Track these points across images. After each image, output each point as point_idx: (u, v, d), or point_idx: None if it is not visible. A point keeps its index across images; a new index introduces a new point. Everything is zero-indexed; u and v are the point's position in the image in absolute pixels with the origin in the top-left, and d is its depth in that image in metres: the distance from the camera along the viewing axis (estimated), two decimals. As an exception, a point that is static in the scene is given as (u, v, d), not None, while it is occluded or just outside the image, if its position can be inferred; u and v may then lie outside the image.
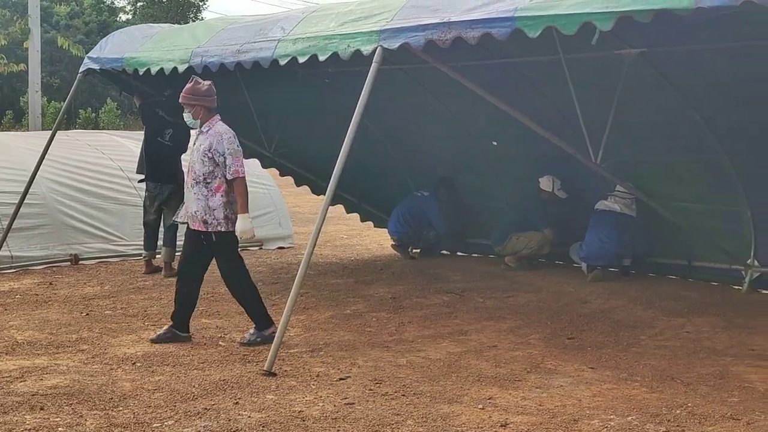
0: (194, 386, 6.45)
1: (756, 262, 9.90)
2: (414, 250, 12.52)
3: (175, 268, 9.26)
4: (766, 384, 6.60)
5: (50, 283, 10.25)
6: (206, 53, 8.81)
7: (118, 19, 54.46)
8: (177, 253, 10.06)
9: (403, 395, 6.28)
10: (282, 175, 12.92)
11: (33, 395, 6.17)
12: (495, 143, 11.35)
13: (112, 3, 55.67)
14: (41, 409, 5.91)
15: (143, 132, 11.16)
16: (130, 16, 54.41)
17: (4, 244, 10.53)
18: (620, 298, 9.56)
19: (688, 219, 9.83)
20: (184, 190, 7.78)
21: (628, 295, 9.73)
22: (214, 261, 7.77)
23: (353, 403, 6.09)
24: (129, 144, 13.17)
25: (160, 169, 10.73)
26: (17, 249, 11.01)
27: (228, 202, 7.53)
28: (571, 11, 6.30)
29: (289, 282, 9.28)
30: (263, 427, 5.62)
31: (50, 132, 11.13)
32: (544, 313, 8.95)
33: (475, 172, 12.00)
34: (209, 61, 8.73)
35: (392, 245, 12.56)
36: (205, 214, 7.51)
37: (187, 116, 7.79)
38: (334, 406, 6.05)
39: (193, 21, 43.92)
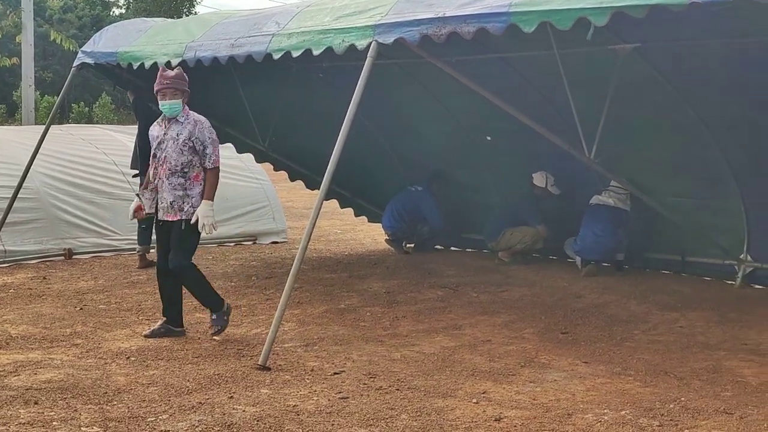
0: (189, 380, 6.45)
1: (749, 257, 9.93)
2: (408, 245, 12.53)
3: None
4: (759, 378, 6.62)
5: (44, 278, 10.24)
6: (200, 47, 8.81)
7: (111, 13, 54.42)
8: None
9: (398, 389, 6.29)
10: (276, 169, 12.91)
11: (27, 389, 6.17)
12: (489, 138, 11.36)
13: (106, -3, 55.62)
14: (35, 403, 5.90)
15: (137, 126, 11.13)
16: (123, 11, 54.36)
17: (-2, 238, 10.53)
18: (614, 293, 9.58)
19: (681, 214, 9.85)
20: (155, 182, 7.57)
21: (621, 289, 9.74)
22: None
23: (348, 398, 6.10)
24: (123, 138, 13.15)
25: (154, 164, 10.70)
26: (11, 243, 10.99)
27: (201, 192, 7.48)
28: (565, 6, 6.31)
29: (283, 276, 9.29)
30: (258, 421, 5.62)
31: (43, 126, 11.11)
32: (538, 308, 8.96)
33: (469, 167, 12.00)
34: (203, 55, 8.73)
35: (386, 240, 12.57)
36: (183, 203, 7.41)
37: (172, 104, 7.42)
38: (329, 400, 6.05)
39: (187, 15, 43.90)
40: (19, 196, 10.54)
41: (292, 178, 13.04)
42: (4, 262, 10.85)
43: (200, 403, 5.96)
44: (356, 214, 13.72)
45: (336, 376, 6.62)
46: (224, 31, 8.84)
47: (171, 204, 7.42)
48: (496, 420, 5.68)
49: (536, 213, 11.24)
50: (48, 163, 11.81)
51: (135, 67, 9.53)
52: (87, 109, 42.82)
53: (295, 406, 5.93)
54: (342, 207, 13.60)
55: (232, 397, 6.10)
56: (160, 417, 5.69)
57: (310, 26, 7.94)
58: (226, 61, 8.62)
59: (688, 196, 9.89)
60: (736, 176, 9.48)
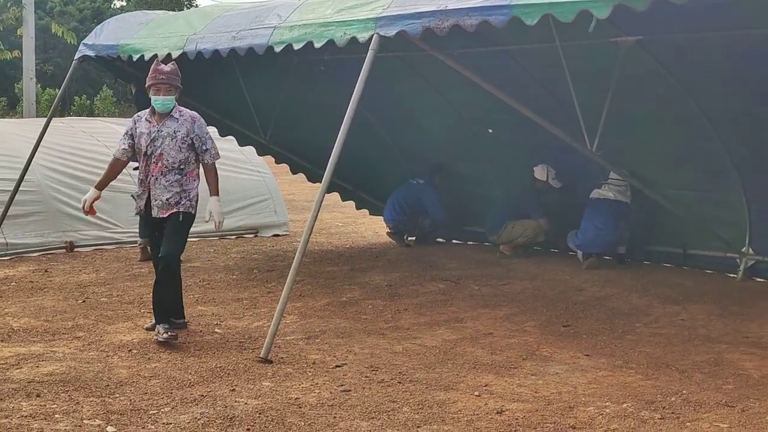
0: (190, 373, 6.45)
1: (751, 250, 9.93)
2: (409, 238, 12.53)
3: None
4: (761, 371, 6.62)
5: (45, 271, 10.24)
6: (201, 40, 8.81)
7: (112, 5, 54.38)
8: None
9: (399, 382, 6.29)
10: (278, 162, 12.91)
11: (29, 382, 6.18)
12: (491, 131, 11.35)
13: (107, -10, 55.59)
14: (38, 396, 5.91)
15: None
16: (124, 3, 54.33)
17: (0, 231, 10.51)
18: (615, 286, 9.58)
19: (683, 207, 9.85)
20: (148, 180, 7.31)
21: (623, 282, 9.74)
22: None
23: (350, 390, 6.10)
24: (124, 131, 13.12)
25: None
26: (12, 236, 11.00)
27: (197, 185, 7.39)
28: (568, -1, 6.29)
29: (285, 269, 9.30)
30: (260, 413, 5.63)
31: (45, 119, 11.10)
32: (540, 301, 8.97)
33: (471, 159, 11.99)
34: (204, 47, 8.72)
35: (388, 233, 12.57)
36: (180, 198, 7.27)
37: (165, 99, 7.24)
38: (331, 393, 6.06)
39: (188, 8, 43.83)
40: (20, 189, 10.55)
41: (294, 171, 13.03)
42: (5, 255, 10.86)
43: (202, 395, 5.96)
44: (358, 207, 13.72)
45: (338, 368, 6.62)
46: (225, 24, 8.83)
47: (167, 201, 7.25)
48: (497, 413, 5.68)
49: (538, 206, 11.24)
50: (49, 156, 11.80)
51: (135, 60, 9.52)
52: (88, 101, 42.82)
53: (297, 398, 5.93)
54: (343, 200, 13.60)
55: (234, 389, 6.10)
56: (162, 410, 5.69)
57: (312, 19, 7.93)
58: (227, 54, 8.61)
59: (690, 188, 9.89)
60: (738, 169, 9.47)
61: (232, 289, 9.44)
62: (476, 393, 6.08)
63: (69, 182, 11.83)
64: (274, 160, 12.87)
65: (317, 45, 7.72)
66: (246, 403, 5.82)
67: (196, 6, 47.05)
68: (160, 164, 7.24)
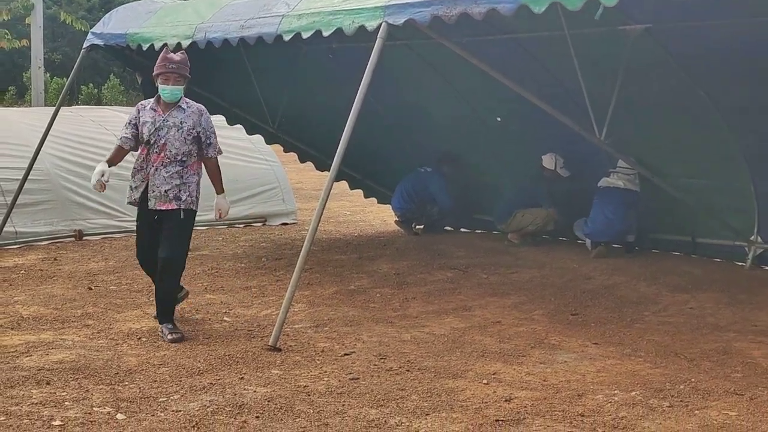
0: (199, 361, 6.47)
1: (759, 239, 9.90)
2: (417, 226, 12.53)
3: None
4: (770, 360, 6.62)
5: (54, 259, 10.27)
6: (210, 29, 8.80)
7: (120, -6, 54.29)
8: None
9: (408, 370, 6.31)
10: (286, 151, 12.91)
11: (39, 370, 6.21)
12: (499, 119, 11.34)
13: (114, -22, 55.53)
14: (47, 383, 5.94)
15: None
16: (132, -8, 54.20)
17: (9, 219, 10.54)
18: (624, 274, 9.58)
19: (692, 195, 9.83)
20: (148, 170, 7.12)
21: (631, 271, 9.74)
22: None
23: (358, 378, 6.12)
24: (127, 120, 13.14)
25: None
26: (21, 225, 11.02)
27: (199, 181, 7.22)
28: (576, -14, 6.27)
29: (293, 258, 9.32)
30: (269, 401, 5.65)
31: (53, 108, 11.12)
32: (548, 289, 8.97)
33: (479, 148, 11.98)
34: (213, 36, 8.71)
35: (396, 221, 12.57)
36: (179, 191, 7.06)
37: (174, 89, 7.08)
38: (339, 381, 6.07)
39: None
40: (29, 177, 10.56)
41: (302, 160, 13.03)
42: (15, 244, 10.89)
43: (211, 383, 5.99)
44: (366, 196, 13.72)
45: (346, 357, 6.64)
46: (233, 12, 8.82)
47: (165, 193, 7.03)
48: (506, 401, 5.69)
49: (548, 195, 11.22)
50: (58, 145, 11.82)
51: (144, 49, 9.52)
52: (96, 90, 42.81)
53: (305, 386, 5.95)
54: (352, 188, 13.60)
55: (242, 377, 6.12)
56: (172, 397, 5.72)
57: (320, 7, 7.91)
58: (236, 43, 8.60)
59: (698, 177, 9.86)
60: (746, 157, 9.45)
61: (241, 277, 9.46)
62: (485, 381, 6.09)
63: (78, 171, 11.84)
64: (282, 148, 12.88)
65: (325, 33, 7.71)
66: (255, 391, 5.84)
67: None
68: (162, 154, 7.05)
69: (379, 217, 13.92)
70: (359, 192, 13.71)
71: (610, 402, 5.68)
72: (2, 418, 5.30)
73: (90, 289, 8.83)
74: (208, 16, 9.05)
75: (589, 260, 10.36)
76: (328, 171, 7.60)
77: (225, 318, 7.76)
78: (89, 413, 5.41)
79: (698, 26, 8.14)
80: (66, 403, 5.58)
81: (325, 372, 6.26)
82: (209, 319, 7.71)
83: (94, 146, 12.21)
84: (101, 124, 12.85)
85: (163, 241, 7.12)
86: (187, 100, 7.26)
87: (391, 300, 8.50)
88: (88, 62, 10.77)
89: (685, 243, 10.66)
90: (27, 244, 11.01)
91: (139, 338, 7.05)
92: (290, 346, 6.87)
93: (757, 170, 9.48)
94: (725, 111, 9.14)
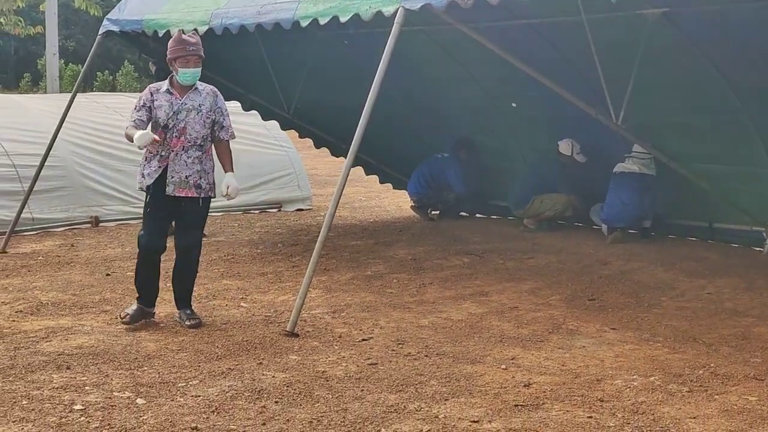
0: (218, 347, 6.49)
1: (777, 224, 9.87)
2: (433, 212, 12.53)
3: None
4: (789, 345, 6.60)
5: (72, 245, 10.31)
6: (226, 15, 8.78)
7: (133, -19, 54.27)
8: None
9: (426, 356, 6.31)
10: (301, 136, 12.92)
11: (59, 355, 6.24)
12: (514, 105, 11.31)
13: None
14: (68, 368, 5.97)
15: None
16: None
17: (26, 206, 10.58)
18: (640, 260, 9.55)
19: (709, 180, 9.79)
20: (167, 155, 6.92)
21: (648, 256, 9.71)
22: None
23: (376, 364, 6.13)
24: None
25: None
26: (38, 211, 11.08)
27: (213, 167, 7.10)
28: (594, -30, 6.25)
29: (309, 244, 9.33)
30: (287, 386, 5.66)
31: (68, 95, 11.14)
32: (565, 275, 8.96)
33: (495, 133, 11.96)
34: (229, 23, 8.70)
35: (412, 206, 12.58)
36: (200, 179, 6.94)
37: (195, 72, 6.92)
38: (358, 366, 6.08)
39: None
40: (46, 164, 10.58)
41: (317, 146, 13.04)
42: (32, 230, 10.95)
43: (230, 369, 6.00)
44: (381, 181, 13.72)
45: (364, 342, 6.65)
46: (250, -2, 8.80)
47: (186, 179, 6.89)
48: (525, 386, 5.69)
49: (566, 181, 11.17)
50: (74, 132, 11.86)
51: (161, 35, 9.51)
52: (110, 77, 42.89)
53: (324, 372, 5.96)
54: (367, 174, 13.60)
55: (261, 363, 6.13)
56: (191, 382, 5.74)
57: (337, -8, 7.89)
58: (253, 30, 8.58)
59: (715, 162, 9.81)
60: (764, 142, 9.39)
61: (257, 263, 9.47)
62: (503, 366, 6.09)
63: (94, 157, 11.91)
64: (297, 134, 12.88)
65: (343, 19, 7.68)
66: (273, 376, 5.85)
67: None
68: (183, 138, 6.89)
69: (394, 202, 13.92)
70: (374, 177, 13.71)
71: (629, 387, 5.67)
72: (24, 402, 5.33)
73: (108, 275, 8.86)
74: (224, 2, 9.03)
75: (606, 246, 10.34)
76: (344, 157, 7.61)
77: (242, 304, 7.78)
78: (109, 398, 5.44)
79: (716, 10, 8.10)
80: (86, 387, 5.61)
81: (343, 357, 6.27)
82: (226, 305, 7.73)
83: (110, 132, 12.25)
84: (116, 111, 12.88)
85: (182, 229, 7.08)
86: (200, 82, 7.11)
87: (408, 285, 8.50)
88: (102, 49, 10.73)
89: (701, 228, 10.62)
90: (44, 230, 11.07)
91: (157, 323, 7.07)
92: (308, 331, 6.89)
93: (775, 155, 9.43)
94: (743, 95, 9.08)
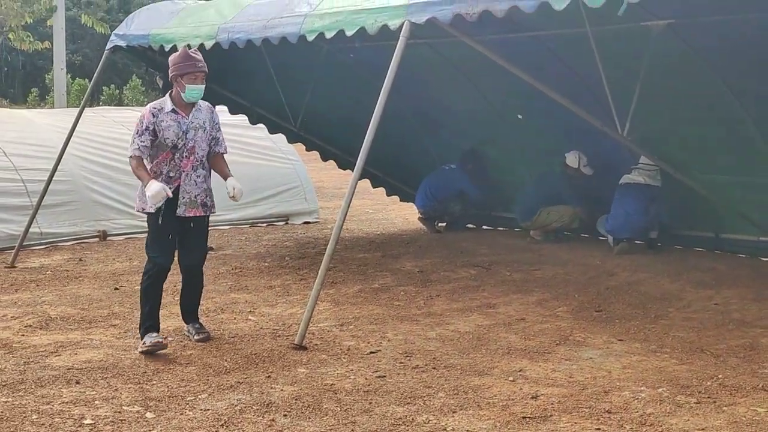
0: (226, 360, 6.51)
1: (784, 234, 9.87)
2: (440, 224, 12.55)
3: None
4: (796, 355, 6.60)
5: (80, 259, 10.35)
6: (233, 29, 8.83)
7: (139, -5, 54.50)
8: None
9: (434, 368, 6.33)
10: (308, 149, 12.95)
11: (68, 369, 6.26)
12: (520, 117, 11.33)
13: (134, -20, 55.74)
14: (77, 382, 5.99)
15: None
16: (151, -8, 54.42)
17: (34, 220, 10.62)
18: (647, 271, 9.56)
19: (715, 190, 9.80)
20: (179, 176, 6.85)
21: (654, 267, 9.72)
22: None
23: (384, 376, 6.14)
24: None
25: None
26: (46, 225, 11.12)
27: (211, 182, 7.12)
28: (598, -17, 6.27)
29: (316, 256, 9.35)
30: (296, 399, 5.68)
31: (76, 109, 11.18)
32: (571, 286, 8.96)
33: (501, 146, 11.98)
34: (236, 37, 8.74)
35: (419, 218, 12.60)
36: (206, 197, 6.94)
37: (201, 89, 6.82)
38: (366, 379, 6.10)
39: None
40: (54, 178, 10.63)
41: (324, 158, 13.08)
42: (40, 244, 10.98)
43: (238, 382, 6.02)
44: (388, 194, 13.75)
45: (372, 355, 6.66)
46: (256, 13, 8.85)
47: (195, 198, 6.87)
48: (532, 398, 5.70)
49: (573, 193, 11.19)
50: (82, 146, 11.91)
51: (167, 50, 9.56)
52: (117, 91, 43.04)
53: (332, 384, 5.97)
54: (374, 186, 13.63)
55: (269, 376, 6.15)
56: (200, 396, 5.76)
57: (342, 6, 7.93)
58: (260, 44, 8.63)
59: (722, 172, 9.82)
60: (770, 152, 9.41)
61: (265, 276, 9.50)
62: (510, 378, 6.10)
63: (101, 171, 11.95)
64: (304, 147, 12.92)
65: (348, 33, 7.72)
66: (282, 390, 5.87)
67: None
68: (192, 158, 6.83)
69: (400, 215, 13.94)
70: (381, 190, 13.74)
71: (637, 399, 5.68)
72: (35, 417, 5.36)
73: (116, 289, 8.90)
74: (231, 16, 9.08)
75: (612, 257, 10.35)
76: (350, 169, 7.63)
77: (250, 317, 7.80)
78: (119, 412, 5.46)
79: (721, 21, 8.12)
80: (96, 402, 5.63)
81: (352, 370, 6.29)
82: (234, 319, 7.75)
83: (117, 147, 12.27)
84: (124, 125, 12.91)
85: (188, 247, 7.04)
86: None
87: (415, 298, 8.52)
88: (108, 63, 10.76)
89: (708, 239, 10.62)
90: (52, 244, 11.10)
91: (166, 337, 7.09)
92: (316, 344, 6.90)
93: (782, 165, 9.44)
94: (748, 105, 9.10)
